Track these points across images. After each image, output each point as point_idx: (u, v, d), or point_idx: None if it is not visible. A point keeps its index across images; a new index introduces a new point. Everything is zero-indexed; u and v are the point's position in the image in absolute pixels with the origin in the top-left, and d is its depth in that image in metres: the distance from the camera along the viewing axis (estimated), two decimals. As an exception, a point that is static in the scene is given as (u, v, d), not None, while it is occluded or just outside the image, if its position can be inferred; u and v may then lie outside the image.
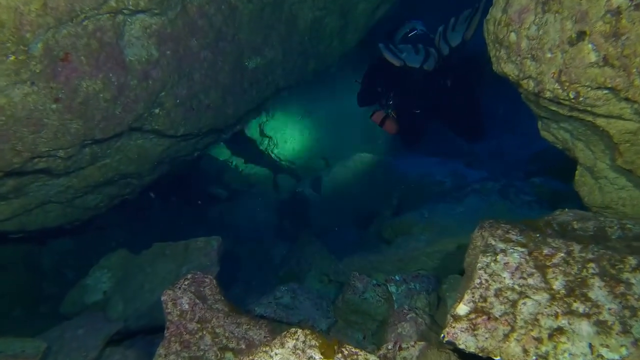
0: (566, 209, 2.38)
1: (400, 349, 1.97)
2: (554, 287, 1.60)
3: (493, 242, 1.84)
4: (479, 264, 1.72)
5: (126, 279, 3.83)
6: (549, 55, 2.15)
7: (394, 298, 3.35)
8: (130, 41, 2.84)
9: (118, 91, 2.84)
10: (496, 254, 1.74)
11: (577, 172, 2.81)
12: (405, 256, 3.86)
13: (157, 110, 3.30)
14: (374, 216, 6.23)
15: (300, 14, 4.19)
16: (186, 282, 2.22)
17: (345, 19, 4.58)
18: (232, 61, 3.64)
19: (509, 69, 2.41)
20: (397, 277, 3.37)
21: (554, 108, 2.38)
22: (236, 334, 2.08)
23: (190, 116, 3.58)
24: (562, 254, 1.68)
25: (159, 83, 3.09)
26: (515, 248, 1.75)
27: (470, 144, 6.57)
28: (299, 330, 1.52)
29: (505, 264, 1.70)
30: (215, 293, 2.27)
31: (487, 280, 1.67)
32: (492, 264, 1.70)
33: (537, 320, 1.53)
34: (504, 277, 1.66)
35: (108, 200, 4.19)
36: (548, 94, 2.23)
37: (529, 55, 2.25)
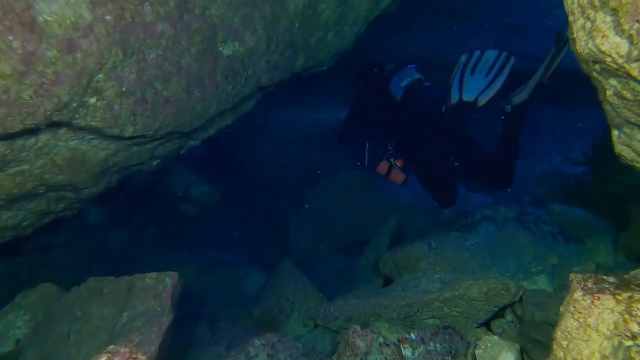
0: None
1: None
2: None
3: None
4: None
5: (48, 325, 2.87)
6: (687, 20, 1.35)
7: (409, 365, 2.49)
8: (47, -7, 1.96)
9: (24, 64, 1.94)
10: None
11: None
12: (416, 301, 3.00)
13: (93, 100, 2.40)
14: (365, 243, 5.36)
15: (291, -6, 3.37)
16: (97, 371, 1.31)
17: (345, 6, 3.77)
18: (200, 42, 2.78)
19: (609, 46, 1.60)
20: (413, 336, 2.51)
21: (665, 108, 1.61)
22: None
23: (142, 111, 2.69)
24: None
25: (92, 59, 2.20)
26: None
27: (494, 190, 5.72)
28: None
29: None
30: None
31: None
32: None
33: None
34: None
35: (34, 218, 3.22)
36: (674, 84, 1.43)
37: (653, 22, 1.44)
